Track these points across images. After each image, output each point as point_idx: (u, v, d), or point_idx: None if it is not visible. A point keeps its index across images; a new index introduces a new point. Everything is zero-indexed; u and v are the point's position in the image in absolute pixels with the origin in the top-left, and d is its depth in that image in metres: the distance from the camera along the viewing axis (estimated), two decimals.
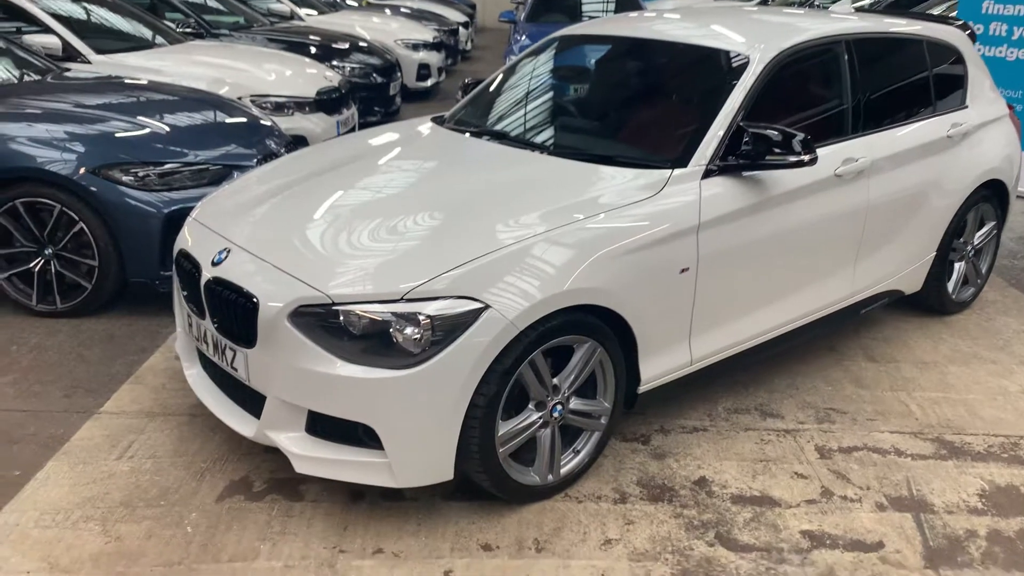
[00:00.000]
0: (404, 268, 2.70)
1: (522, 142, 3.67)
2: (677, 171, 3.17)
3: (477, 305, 2.62)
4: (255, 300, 2.74)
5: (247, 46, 8.24)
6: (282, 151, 5.08)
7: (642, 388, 3.16)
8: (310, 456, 2.77)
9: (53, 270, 4.34)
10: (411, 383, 2.59)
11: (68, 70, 5.80)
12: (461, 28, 15.71)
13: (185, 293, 3.17)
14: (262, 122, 5.35)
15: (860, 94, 3.85)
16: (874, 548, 2.79)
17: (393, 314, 2.60)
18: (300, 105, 6.79)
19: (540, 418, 2.90)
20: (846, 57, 3.82)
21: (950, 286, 4.58)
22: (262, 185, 3.49)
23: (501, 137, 3.76)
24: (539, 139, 3.75)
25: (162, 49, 7.18)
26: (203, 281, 2.95)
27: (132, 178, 4.26)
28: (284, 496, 3.00)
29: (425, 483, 2.73)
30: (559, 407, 2.93)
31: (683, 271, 3.10)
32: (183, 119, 4.88)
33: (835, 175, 3.60)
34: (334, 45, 9.30)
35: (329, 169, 3.53)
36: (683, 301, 3.16)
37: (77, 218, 4.23)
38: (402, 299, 2.60)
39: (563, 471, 3.03)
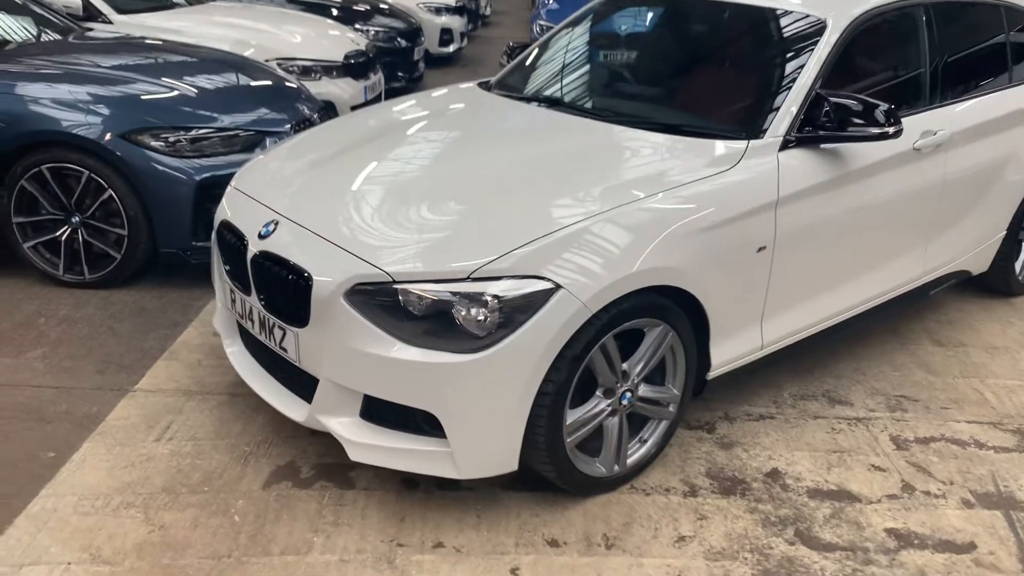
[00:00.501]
0: (469, 245, 2.51)
1: (579, 109, 3.46)
2: (754, 142, 2.95)
3: (548, 285, 2.43)
4: (308, 276, 2.56)
5: (269, 7, 7.99)
6: (315, 116, 4.88)
7: (712, 374, 2.97)
8: (365, 443, 2.60)
9: (81, 239, 4.16)
10: (477, 368, 2.41)
11: (90, 29, 5.58)
12: None
13: (227, 268, 2.98)
14: (292, 86, 5.14)
15: (937, 62, 3.61)
16: (966, 549, 2.62)
17: (458, 294, 2.41)
18: (327, 69, 6.56)
19: (608, 406, 2.72)
20: (924, 22, 3.58)
21: (1018, 266, 4.37)
22: (306, 153, 3.29)
23: (555, 104, 3.54)
24: (597, 106, 3.52)
25: (183, 9, 6.96)
26: (250, 255, 2.76)
27: (163, 143, 4.06)
28: (334, 483, 2.83)
29: (489, 474, 2.57)
30: (628, 394, 2.75)
31: (760, 249, 2.90)
32: (212, 82, 4.66)
33: (913, 148, 3.38)
34: (356, 7, 9.03)
35: (377, 137, 3.33)
36: (758, 282, 2.96)
37: (106, 185, 4.04)
38: (468, 278, 2.42)
39: (629, 461, 2.85)
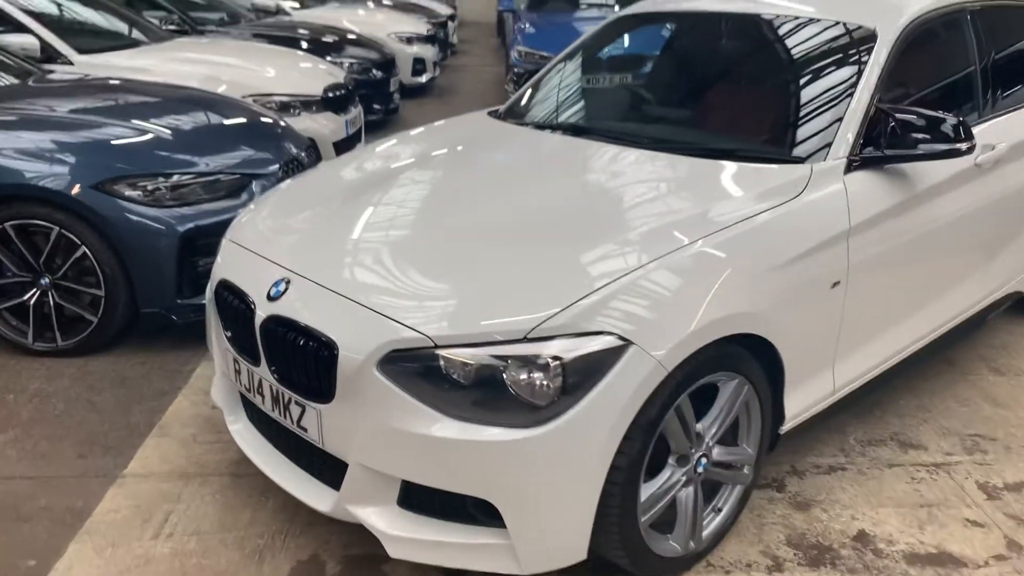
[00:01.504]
0: (519, 299, 2.16)
1: (612, 136, 3.12)
2: (818, 166, 2.64)
3: (617, 342, 2.08)
4: (332, 345, 2.18)
5: (236, 42, 7.63)
6: (301, 155, 4.51)
7: (785, 427, 2.64)
8: (407, 538, 2.22)
9: (51, 302, 3.74)
10: (541, 445, 2.05)
11: (52, 72, 5.17)
12: (449, 21, 15.11)
13: (229, 334, 2.60)
14: (274, 122, 4.77)
15: (988, 70, 3.35)
16: None
17: (512, 358, 2.05)
18: (307, 104, 6.20)
19: (683, 475, 2.37)
20: (970, 28, 3.32)
21: None
22: (309, 200, 2.93)
23: (583, 132, 3.21)
24: (632, 132, 3.18)
25: (148, 47, 6.55)
26: (258, 320, 2.38)
27: (140, 193, 3.67)
28: None
29: (555, 567, 2.20)
30: (703, 460, 2.41)
31: (834, 285, 2.59)
32: (187, 122, 4.28)
33: (975, 165, 3.10)
34: (324, 39, 8.69)
35: (389, 179, 2.98)
36: (832, 321, 2.64)
37: (78, 241, 3.63)
38: (524, 338, 2.06)
39: (704, 534, 2.50)
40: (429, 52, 10.98)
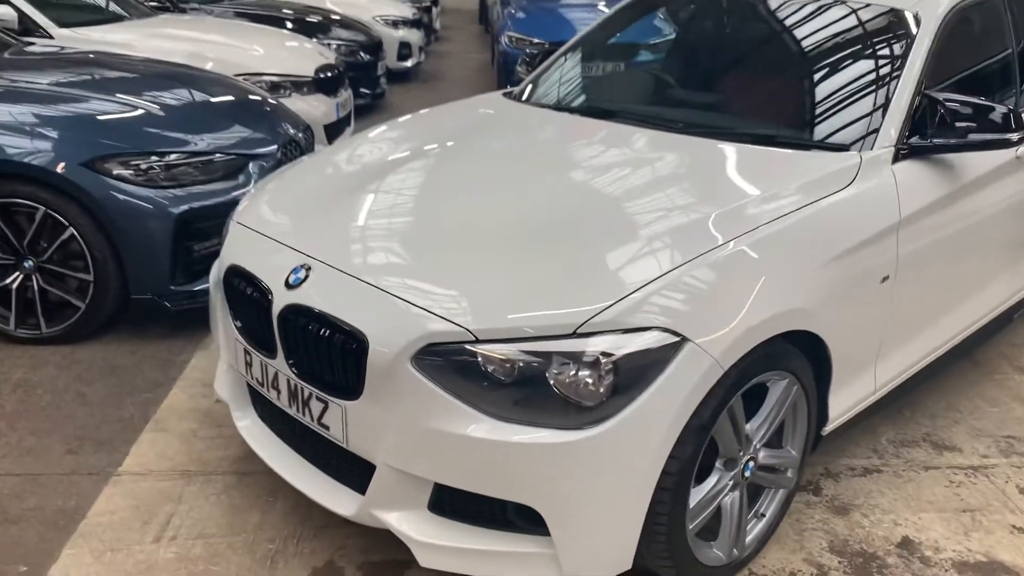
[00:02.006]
0: (567, 291, 2.01)
1: (644, 119, 2.96)
2: (867, 155, 2.51)
3: (672, 339, 1.93)
4: (362, 337, 2.01)
5: (221, 20, 7.37)
6: (300, 136, 4.31)
7: (828, 428, 2.51)
8: (439, 545, 2.06)
9: (35, 286, 3.52)
10: (591, 449, 1.90)
11: (32, 43, 4.91)
12: (432, 7, 14.86)
13: (240, 324, 2.42)
14: (271, 102, 4.57)
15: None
16: None
17: (560, 354, 1.90)
18: (298, 85, 5.98)
19: (731, 480, 2.24)
20: (1007, 11, 3.21)
21: None
22: (324, 182, 2.76)
23: (611, 115, 3.04)
24: (668, 117, 3.01)
25: (129, 22, 6.31)
26: (276, 310, 2.20)
27: (133, 172, 3.46)
28: None
29: None
30: (751, 463, 2.27)
31: (884, 279, 2.46)
32: (178, 99, 4.06)
33: (1016, 157, 2.99)
34: (309, 19, 8.44)
35: (412, 161, 2.80)
36: (880, 317, 2.52)
37: (66, 222, 3.41)
38: (574, 333, 1.90)
39: (747, 540, 2.36)
40: (415, 37, 10.75)
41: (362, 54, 8.31)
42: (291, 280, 2.21)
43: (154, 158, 3.52)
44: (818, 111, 2.81)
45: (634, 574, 2.09)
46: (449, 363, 1.95)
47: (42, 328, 3.55)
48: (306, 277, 2.20)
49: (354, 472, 2.20)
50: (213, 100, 4.23)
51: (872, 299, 2.44)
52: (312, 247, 2.30)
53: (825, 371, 2.40)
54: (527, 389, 1.93)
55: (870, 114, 2.64)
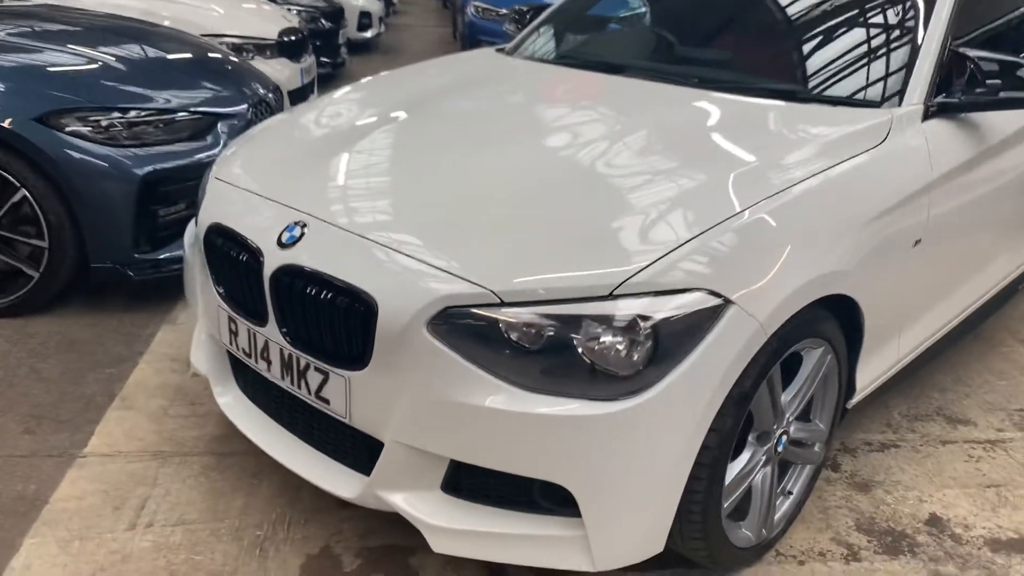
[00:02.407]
0: (598, 250, 1.83)
1: (655, 73, 2.78)
2: (897, 111, 2.37)
3: (715, 301, 1.76)
4: (370, 300, 1.80)
5: None
6: (269, 96, 4.04)
7: (854, 400, 2.38)
8: (454, 529, 1.87)
9: None
10: (627, 422, 1.72)
11: None
12: None
13: (222, 289, 2.19)
14: (236, 60, 4.29)
15: None
16: None
17: (593, 317, 1.71)
18: (260, 48, 5.68)
19: (764, 455, 2.08)
20: None
21: None
22: (313, 135, 2.53)
23: (621, 70, 2.86)
24: (682, 72, 2.82)
25: None
26: (267, 271, 1.98)
27: (91, 128, 3.18)
28: None
29: (630, 562, 1.88)
30: (784, 437, 2.12)
31: (916, 243, 2.32)
32: (143, 54, 3.78)
33: None
34: None
35: (413, 113, 2.58)
36: (910, 282, 2.39)
37: (17, 183, 3.12)
38: (610, 295, 1.72)
39: (775, 519, 2.22)
40: (375, 7, 10.43)
41: (323, 21, 8.00)
42: (284, 239, 1.99)
43: (115, 114, 3.24)
44: (843, 67, 2.65)
45: (657, 561, 1.93)
46: (469, 328, 1.76)
47: None
48: (302, 235, 1.98)
49: (357, 450, 2.00)
50: (176, 56, 3.94)
51: (905, 263, 2.31)
52: (306, 203, 2.08)
53: (855, 340, 2.26)
54: (556, 357, 1.74)
55: (898, 71, 2.50)
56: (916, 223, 2.30)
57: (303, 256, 1.94)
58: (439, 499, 1.90)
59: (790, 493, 2.27)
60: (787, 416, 2.11)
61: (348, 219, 1.99)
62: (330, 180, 2.19)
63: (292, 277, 1.94)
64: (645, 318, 1.71)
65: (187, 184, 3.25)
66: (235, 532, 2.21)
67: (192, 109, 3.49)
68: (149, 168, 3.23)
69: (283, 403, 2.18)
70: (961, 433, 2.81)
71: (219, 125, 3.53)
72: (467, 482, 1.88)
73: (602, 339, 1.71)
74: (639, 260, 1.76)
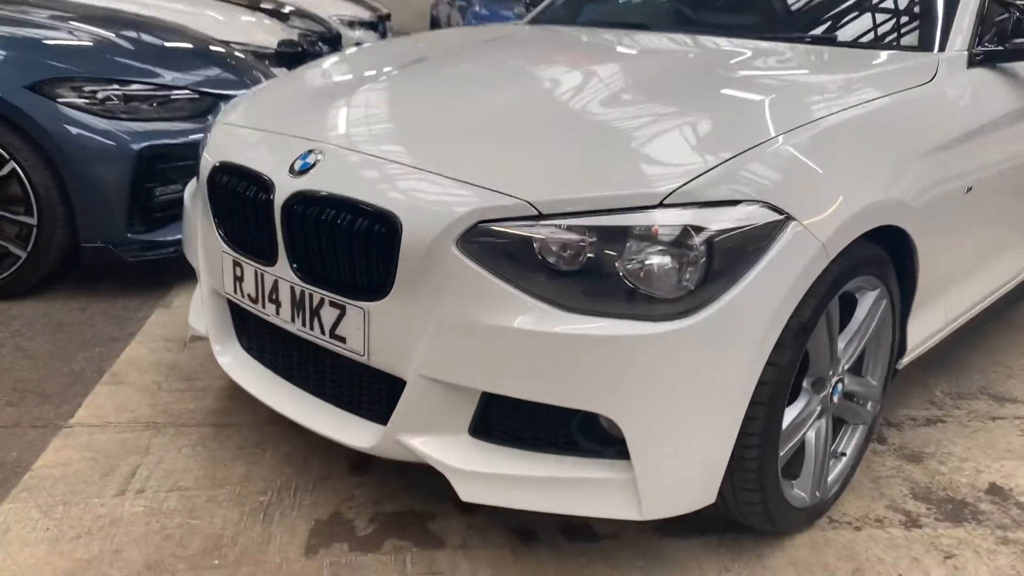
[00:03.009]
0: (645, 160, 1.68)
1: (696, 27, 2.68)
2: (942, 55, 2.25)
3: (775, 216, 1.61)
4: (392, 219, 1.64)
5: None
6: None
7: (904, 360, 2.21)
8: (485, 473, 1.68)
9: None
10: (677, 344, 1.55)
11: None
12: (386, 20, 14.55)
13: (224, 232, 2.02)
14: (238, 53, 4.17)
15: None
16: None
17: (643, 229, 1.55)
18: (259, 56, 5.53)
19: (819, 404, 1.91)
20: None
21: None
22: (328, 78, 2.41)
23: (652, 27, 2.75)
24: (719, 24, 2.73)
25: None
26: (279, 201, 1.81)
27: (87, 100, 3.03)
28: (412, 542, 1.89)
29: (680, 511, 1.70)
30: (839, 386, 1.95)
31: (968, 191, 2.18)
32: (146, 36, 3.65)
33: None
34: (265, 6, 8.04)
35: (427, 62, 2.46)
36: (962, 233, 2.25)
37: (7, 155, 2.95)
38: (660, 204, 1.56)
39: (828, 481, 2.03)
40: (371, 40, 10.40)
41: (321, 44, 7.91)
42: (297, 167, 1.83)
43: (113, 86, 3.10)
44: (885, 17, 2.55)
45: (699, 527, 1.74)
46: (503, 247, 1.60)
47: None
48: (315, 163, 1.82)
49: (373, 398, 1.82)
50: (178, 43, 3.81)
51: (958, 210, 2.17)
52: (321, 132, 1.94)
53: (908, 291, 2.10)
54: (598, 276, 1.58)
55: (941, 18, 2.39)
56: (968, 168, 2.17)
57: (317, 182, 1.78)
58: (467, 444, 1.72)
59: (843, 455, 2.09)
60: (842, 363, 1.94)
61: (366, 143, 1.84)
62: (347, 113, 2.04)
63: (305, 205, 1.77)
64: (698, 230, 1.56)
65: (185, 164, 3.10)
66: (236, 498, 2.01)
67: (194, 87, 3.35)
68: (146, 143, 3.08)
69: (291, 355, 2.00)
70: (1010, 410, 2.64)
71: (220, 106, 3.38)
72: (498, 424, 1.70)
73: (651, 253, 1.55)
74: (689, 171, 1.61)
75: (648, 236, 1.55)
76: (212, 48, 3.96)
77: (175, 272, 3.28)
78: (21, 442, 2.20)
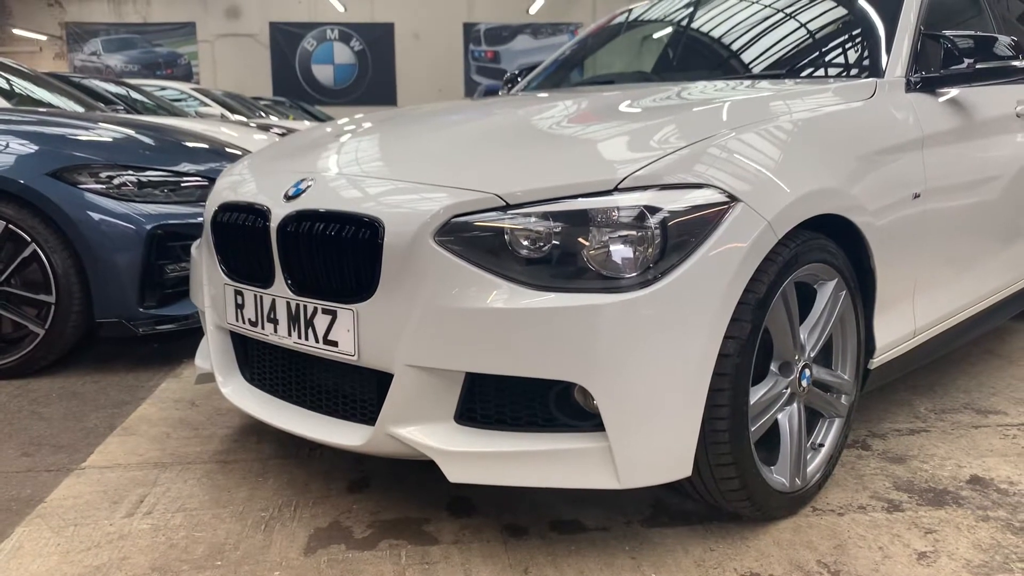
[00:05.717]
0: (602, 153, 1.87)
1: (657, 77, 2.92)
2: (880, 81, 2.47)
3: (721, 197, 1.77)
4: (375, 223, 1.81)
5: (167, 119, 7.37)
6: None
7: (876, 360, 2.31)
8: (470, 452, 1.78)
9: None
10: (639, 311, 1.69)
11: None
12: None
13: (226, 267, 2.19)
14: (248, 151, 4.45)
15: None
16: None
17: (601, 212, 1.72)
18: None
19: (787, 388, 2.01)
20: None
21: None
22: (317, 133, 2.61)
23: (612, 82, 2.99)
24: (675, 77, 2.97)
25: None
26: (275, 223, 1.99)
27: (104, 185, 3.26)
28: (407, 540, 1.95)
29: (658, 480, 1.78)
30: (807, 372, 2.05)
31: (915, 196, 2.34)
32: (159, 133, 3.93)
33: (1016, 115, 2.97)
34: (275, 131, 8.51)
35: (401, 116, 2.69)
36: (913, 238, 2.38)
37: (28, 238, 3.17)
38: (616, 188, 1.73)
39: (808, 470, 2.10)
40: None
41: None
42: (291, 192, 2.02)
43: (129, 172, 3.34)
44: (823, 53, 2.77)
45: (686, 518, 1.82)
46: (477, 237, 1.76)
47: None
48: (308, 188, 2.01)
49: (364, 401, 1.93)
50: (195, 142, 4.10)
51: (906, 213, 2.31)
52: (312, 167, 2.14)
53: (869, 289, 2.23)
54: (564, 257, 1.73)
55: (874, 46, 2.62)
56: (913, 173, 2.34)
57: (309, 202, 1.96)
58: (453, 429, 1.82)
59: (821, 446, 2.17)
60: (807, 351, 2.05)
61: (351, 167, 2.04)
62: (335, 152, 2.25)
63: (299, 221, 1.95)
64: (653, 211, 1.71)
65: (192, 243, 3.30)
66: (239, 515, 2.09)
67: (203, 175, 3.59)
68: (157, 223, 3.29)
69: (289, 377, 2.12)
70: (993, 420, 2.71)
71: None
72: (481, 409, 1.82)
73: (609, 234, 1.71)
74: (645, 158, 1.78)
75: (608, 218, 1.71)
76: (227, 149, 4.24)
77: (186, 347, 3.44)
78: (35, 482, 2.30)
